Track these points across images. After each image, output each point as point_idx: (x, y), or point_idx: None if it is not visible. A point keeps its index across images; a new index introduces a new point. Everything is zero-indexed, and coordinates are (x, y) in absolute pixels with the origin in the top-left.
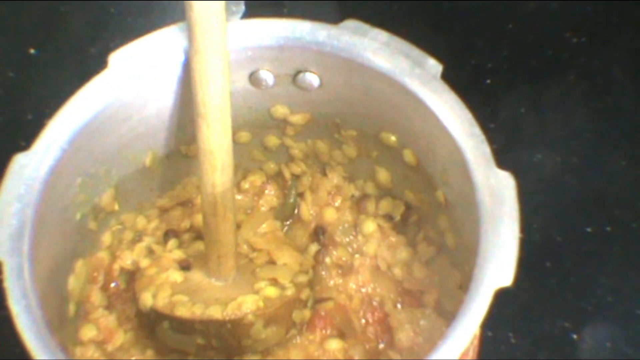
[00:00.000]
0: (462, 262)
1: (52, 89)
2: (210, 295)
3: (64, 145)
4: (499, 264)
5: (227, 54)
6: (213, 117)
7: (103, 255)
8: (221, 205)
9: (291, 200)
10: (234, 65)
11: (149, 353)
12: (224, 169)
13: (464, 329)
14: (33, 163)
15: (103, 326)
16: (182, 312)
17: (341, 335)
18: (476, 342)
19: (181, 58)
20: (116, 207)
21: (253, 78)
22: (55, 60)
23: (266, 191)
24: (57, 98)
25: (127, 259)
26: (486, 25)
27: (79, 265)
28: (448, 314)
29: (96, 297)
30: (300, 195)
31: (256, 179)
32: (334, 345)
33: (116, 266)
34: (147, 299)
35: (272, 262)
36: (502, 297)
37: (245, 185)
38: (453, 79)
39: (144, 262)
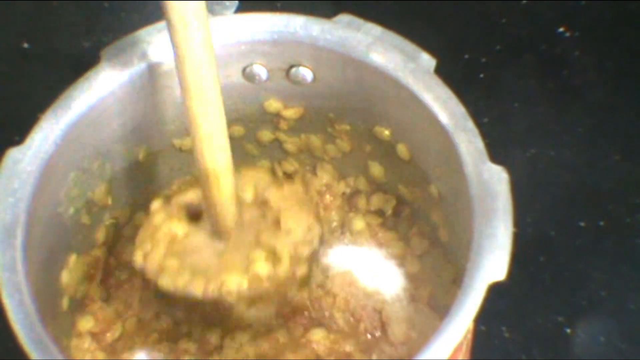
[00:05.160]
0: (455, 256)
1: (45, 83)
2: (202, 262)
3: (57, 140)
4: (492, 258)
5: (212, 53)
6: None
7: (98, 252)
8: (215, 171)
9: None
10: (227, 59)
11: (154, 337)
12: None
13: (457, 324)
14: (26, 157)
15: (101, 318)
16: (166, 282)
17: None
18: (469, 336)
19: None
20: (109, 201)
21: (246, 72)
22: (48, 54)
23: None
24: (50, 92)
25: (125, 254)
26: (480, 19)
27: (73, 259)
28: (441, 309)
29: (94, 291)
30: None
31: None
32: (318, 335)
33: (113, 262)
34: (138, 258)
35: (277, 221)
36: (495, 292)
37: None
38: (447, 73)
39: (156, 204)
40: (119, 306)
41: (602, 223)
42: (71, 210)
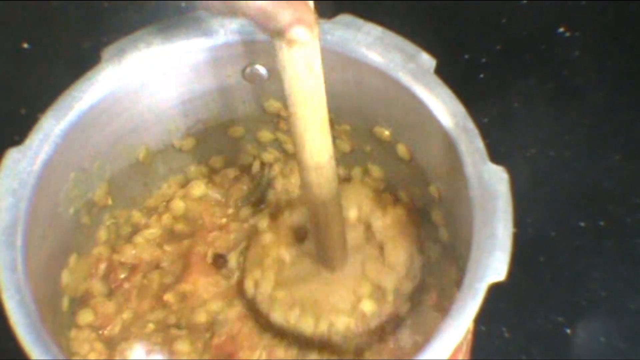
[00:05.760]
0: (456, 257)
1: (45, 83)
2: (311, 294)
3: (57, 140)
4: (492, 258)
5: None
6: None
7: (101, 250)
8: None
9: (261, 187)
10: (227, 60)
11: (150, 327)
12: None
13: (457, 324)
14: (26, 157)
15: (101, 312)
16: (278, 317)
17: None
18: (470, 336)
19: (174, 53)
20: (109, 201)
21: (246, 73)
22: (48, 54)
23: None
24: (50, 92)
25: (126, 253)
26: (480, 19)
27: (73, 259)
28: (442, 309)
29: (96, 288)
30: (270, 182)
31: (229, 171)
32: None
33: (115, 260)
34: (249, 286)
35: (381, 251)
36: (495, 292)
37: (218, 178)
38: (446, 73)
39: (262, 223)
40: (120, 302)
41: (602, 223)
42: (71, 210)
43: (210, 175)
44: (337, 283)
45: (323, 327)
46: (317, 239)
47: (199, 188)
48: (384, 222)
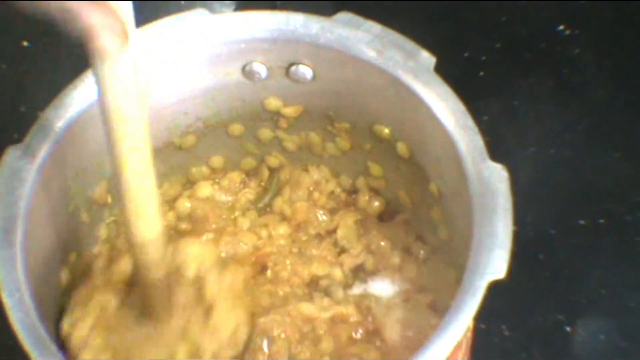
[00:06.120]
0: (456, 255)
1: (45, 81)
2: (126, 345)
3: (57, 138)
4: (492, 256)
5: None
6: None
7: (101, 248)
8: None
9: (269, 195)
10: (226, 57)
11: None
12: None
13: (457, 322)
14: (26, 155)
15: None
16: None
17: None
18: (469, 334)
19: (173, 52)
20: (109, 199)
21: (246, 70)
22: (48, 53)
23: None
24: (50, 90)
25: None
26: (479, 17)
27: (72, 257)
28: (440, 311)
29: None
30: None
31: (235, 175)
32: None
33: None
34: (66, 326)
35: (209, 313)
36: (495, 290)
37: (225, 181)
38: (446, 71)
39: (98, 263)
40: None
41: (602, 221)
42: (70, 208)
43: (213, 176)
44: (155, 337)
45: None
46: (142, 290)
47: (205, 189)
48: (220, 283)
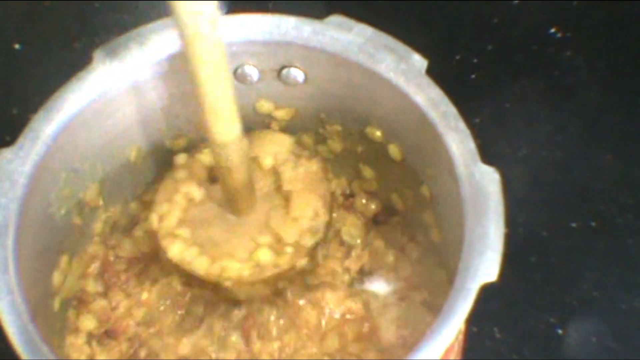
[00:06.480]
0: (448, 257)
1: (36, 84)
2: (212, 236)
3: (49, 140)
4: (484, 259)
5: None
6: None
7: (95, 248)
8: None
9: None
10: None
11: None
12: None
13: (449, 325)
14: (17, 158)
15: (101, 314)
16: (175, 253)
17: None
18: (461, 337)
19: (166, 53)
20: (100, 202)
21: (238, 73)
22: (40, 55)
23: None
24: (41, 93)
25: (125, 248)
26: (471, 20)
27: (64, 260)
28: (434, 309)
29: (91, 286)
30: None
31: None
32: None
33: (111, 256)
34: (154, 219)
35: (287, 203)
36: (487, 292)
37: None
38: (438, 74)
39: (181, 158)
40: (118, 298)
41: (593, 223)
42: (62, 211)
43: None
44: (239, 229)
45: (216, 270)
46: (224, 182)
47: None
48: (295, 174)
